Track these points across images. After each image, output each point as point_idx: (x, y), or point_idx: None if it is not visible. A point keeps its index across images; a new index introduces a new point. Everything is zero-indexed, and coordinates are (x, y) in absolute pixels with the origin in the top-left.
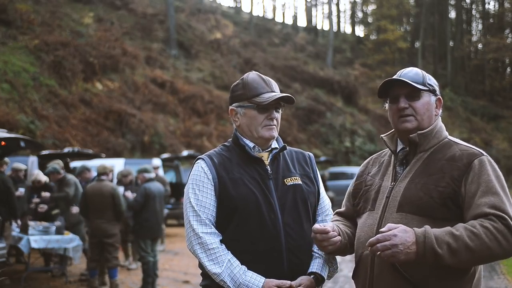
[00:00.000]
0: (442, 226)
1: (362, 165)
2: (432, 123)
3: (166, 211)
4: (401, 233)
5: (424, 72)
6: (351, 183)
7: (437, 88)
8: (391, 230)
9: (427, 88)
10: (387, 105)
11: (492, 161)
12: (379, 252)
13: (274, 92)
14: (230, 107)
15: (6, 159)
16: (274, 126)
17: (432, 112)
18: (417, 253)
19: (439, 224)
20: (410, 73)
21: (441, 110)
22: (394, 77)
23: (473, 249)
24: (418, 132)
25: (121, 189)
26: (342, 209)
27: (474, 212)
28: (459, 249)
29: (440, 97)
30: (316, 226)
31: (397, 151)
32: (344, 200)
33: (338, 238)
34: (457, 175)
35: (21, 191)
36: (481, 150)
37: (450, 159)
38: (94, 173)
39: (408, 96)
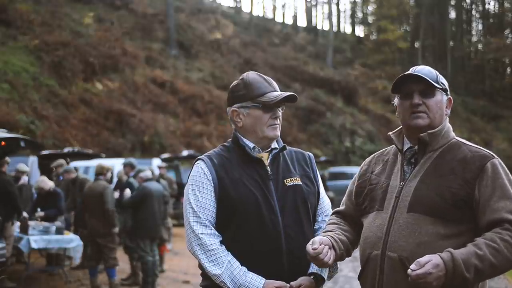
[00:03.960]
0: (454, 228)
1: (363, 163)
2: (443, 122)
3: (171, 210)
4: (434, 270)
5: (436, 71)
6: (351, 181)
7: (448, 88)
8: (423, 267)
9: (441, 87)
10: (396, 101)
11: (503, 163)
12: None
13: (277, 91)
14: (232, 108)
15: (7, 158)
16: (278, 125)
17: (443, 111)
18: (445, 282)
19: (450, 226)
20: (424, 70)
21: (449, 111)
22: (408, 72)
23: (496, 265)
24: (428, 132)
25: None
26: (342, 207)
27: (491, 217)
28: (484, 269)
29: (450, 97)
30: (309, 249)
31: (404, 150)
32: (344, 199)
33: (330, 256)
34: (470, 177)
35: (24, 179)
36: (491, 152)
37: (461, 160)
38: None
39: (423, 93)
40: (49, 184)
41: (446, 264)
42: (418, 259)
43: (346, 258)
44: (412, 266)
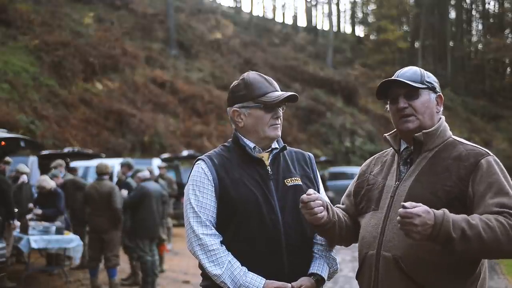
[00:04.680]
0: None
1: (364, 164)
2: (435, 120)
3: (171, 210)
4: (424, 214)
5: (422, 70)
6: (352, 182)
7: (437, 85)
8: (415, 208)
9: (426, 86)
10: (388, 106)
11: (498, 161)
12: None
13: (278, 91)
14: (233, 108)
15: (9, 159)
16: (279, 125)
17: (433, 109)
18: (431, 235)
19: None
20: (407, 73)
21: (441, 108)
22: (392, 77)
23: (485, 240)
24: (423, 131)
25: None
26: (341, 206)
27: (486, 211)
28: (472, 237)
29: (440, 94)
30: (303, 196)
31: (401, 150)
32: (343, 198)
33: (322, 210)
34: (464, 174)
35: (24, 178)
36: (487, 150)
37: (456, 158)
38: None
39: (407, 96)
40: (51, 183)
41: (436, 216)
42: (411, 202)
43: (346, 258)
44: (406, 204)
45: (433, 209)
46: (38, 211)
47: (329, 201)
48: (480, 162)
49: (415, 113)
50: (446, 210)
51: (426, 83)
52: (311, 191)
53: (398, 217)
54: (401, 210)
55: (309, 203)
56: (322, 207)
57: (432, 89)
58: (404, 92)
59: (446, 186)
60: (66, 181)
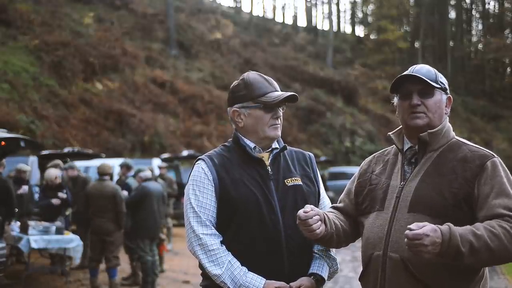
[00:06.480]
0: None
1: (364, 162)
2: (442, 121)
3: (171, 210)
4: (432, 233)
5: (435, 70)
6: (351, 180)
7: (447, 87)
8: (421, 229)
9: (440, 86)
10: (395, 101)
11: (502, 163)
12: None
13: (278, 91)
14: (233, 108)
15: (3, 160)
16: (279, 125)
17: (442, 110)
18: (440, 252)
19: None
20: (422, 70)
21: (449, 110)
22: (406, 72)
23: (493, 249)
24: (428, 131)
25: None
26: (339, 204)
27: (488, 213)
28: (480, 248)
29: (450, 96)
30: (300, 212)
31: (404, 150)
32: (342, 196)
33: (319, 226)
34: (470, 176)
35: (24, 188)
36: (491, 152)
37: (461, 159)
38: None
39: (421, 93)
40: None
41: (443, 232)
42: (417, 222)
43: (346, 258)
44: (411, 226)
45: (438, 226)
46: (64, 195)
47: (325, 212)
48: (486, 164)
49: (427, 111)
50: (451, 225)
51: (440, 83)
52: (308, 207)
53: (406, 239)
54: (408, 232)
55: (307, 220)
56: (320, 222)
57: (444, 90)
58: (419, 89)
59: (453, 188)
60: (78, 178)
